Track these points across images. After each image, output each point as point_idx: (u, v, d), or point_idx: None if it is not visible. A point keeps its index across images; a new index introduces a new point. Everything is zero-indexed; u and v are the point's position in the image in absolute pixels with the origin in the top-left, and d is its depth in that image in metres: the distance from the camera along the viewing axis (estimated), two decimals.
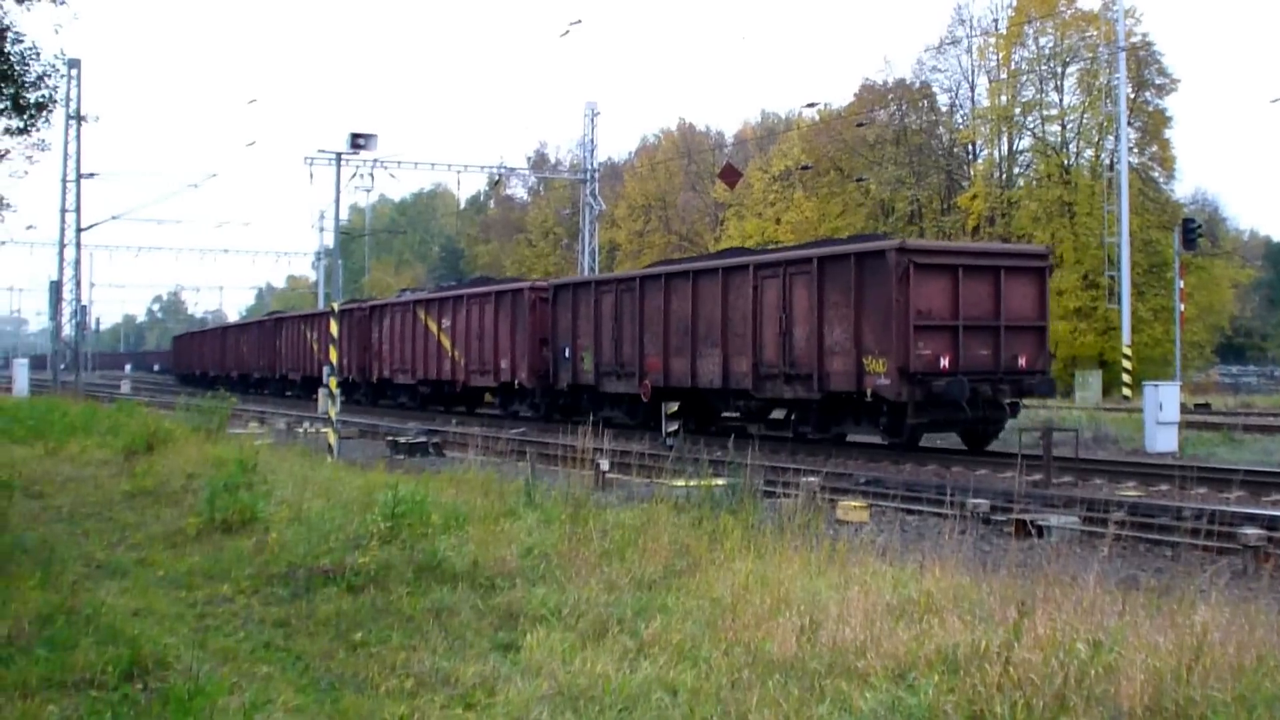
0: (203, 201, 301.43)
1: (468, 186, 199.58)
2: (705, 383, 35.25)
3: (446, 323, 50.37)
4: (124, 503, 19.37)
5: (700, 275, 35.56)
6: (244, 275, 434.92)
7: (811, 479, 21.88)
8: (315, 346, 65.63)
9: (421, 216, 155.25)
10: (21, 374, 67.01)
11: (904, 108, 79.67)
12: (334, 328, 33.17)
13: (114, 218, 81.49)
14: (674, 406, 34.10)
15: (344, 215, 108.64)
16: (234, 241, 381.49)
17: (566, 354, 41.86)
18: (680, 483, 18.96)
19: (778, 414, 34.45)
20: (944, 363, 28.84)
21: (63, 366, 68.58)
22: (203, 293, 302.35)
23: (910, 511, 20.09)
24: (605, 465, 23.31)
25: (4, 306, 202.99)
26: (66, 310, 68.27)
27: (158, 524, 16.82)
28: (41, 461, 26.13)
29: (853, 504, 19.96)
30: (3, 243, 71.87)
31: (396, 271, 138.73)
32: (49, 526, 16.98)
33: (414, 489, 15.62)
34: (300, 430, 38.83)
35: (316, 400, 53.33)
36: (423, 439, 32.79)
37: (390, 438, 33.86)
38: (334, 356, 32.47)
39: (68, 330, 69.48)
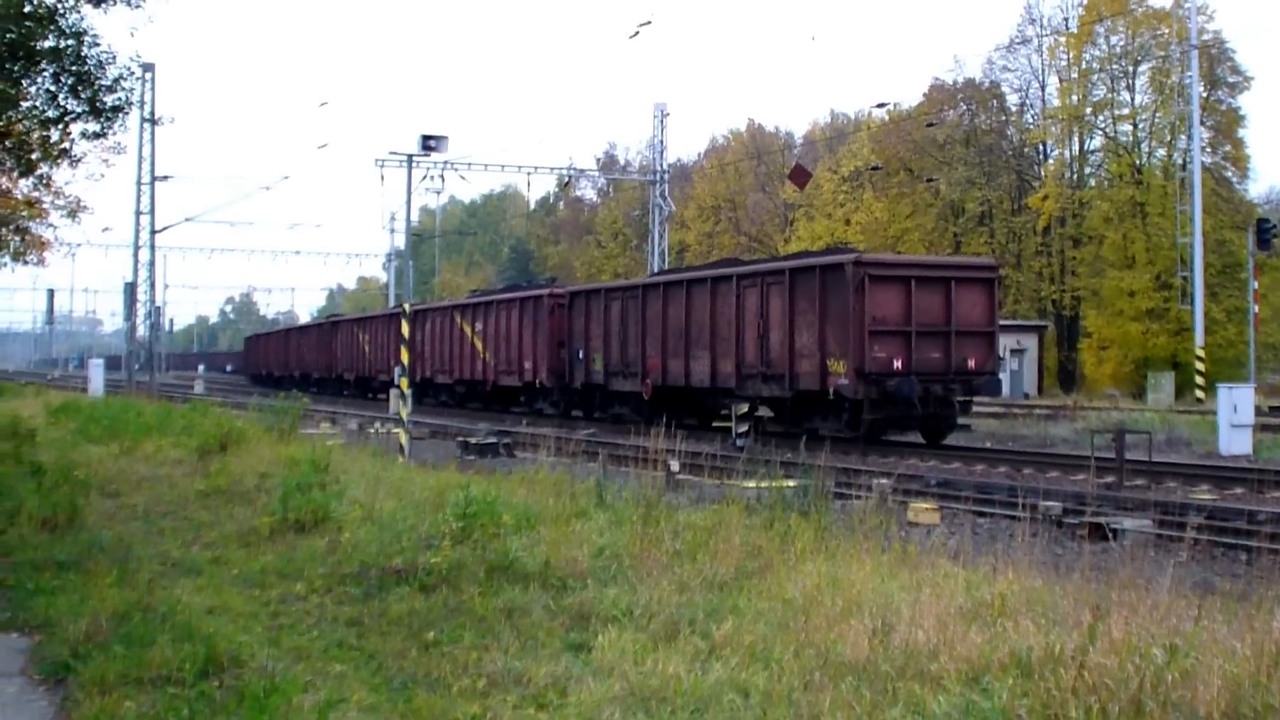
0: (275, 204, 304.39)
1: (537, 188, 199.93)
2: (697, 382, 38.66)
3: (479, 326, 53.58)
4: (198, 502, 19.51)
5: (693, 284, 39.11)
6: (315, 277, 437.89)
7: (883, 481, 21.77)
8: (367, 348, 69.44)
9: (491, 218, 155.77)
10: (97, 374, 67.60)
11: (974, 108, 79.23)
12: (405, 328, 33.30)
13: (187, 220, 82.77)
14: (744, 408, 34.06)
15: (415, 217, 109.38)
16: (305, 243, 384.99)
17: (580, 355, 45.59)
18: (751, 484, 18.91)
19: (764, 411, 37.01)
20: (897, 364, 31.91)
21: (137, 367, 69.19)
22: (275, 294, 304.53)
23: (982, 514, 19.95)
24: (676, 466, 23.27)
25: (80, 308, 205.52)
26: (141, 311, 68.90)
27: (232, 523, 16.93)
28: (117, 461, 26.35)
29: (924, 506, 19.85)
30: (79, 245, 72.71)
31: (467, 273, 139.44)
32: (125, 525, 17.13)
33: (485, 489, 15.65)
34: (372, 431, 39.01)
35: (380, 399, 54.52)
36: (493, 440, 32.87)
37: (461, 438, 33.97)
38: (405, 357, 32.59)
39: (142, 331, 70.08)
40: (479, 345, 54.05)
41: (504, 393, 53.97)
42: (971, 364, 33.01)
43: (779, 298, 34.72)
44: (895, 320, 32.24)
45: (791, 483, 17.39)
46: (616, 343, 43.36)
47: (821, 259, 34.95)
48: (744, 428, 33.47)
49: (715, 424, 40.24)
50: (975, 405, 36.24)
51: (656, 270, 69.67)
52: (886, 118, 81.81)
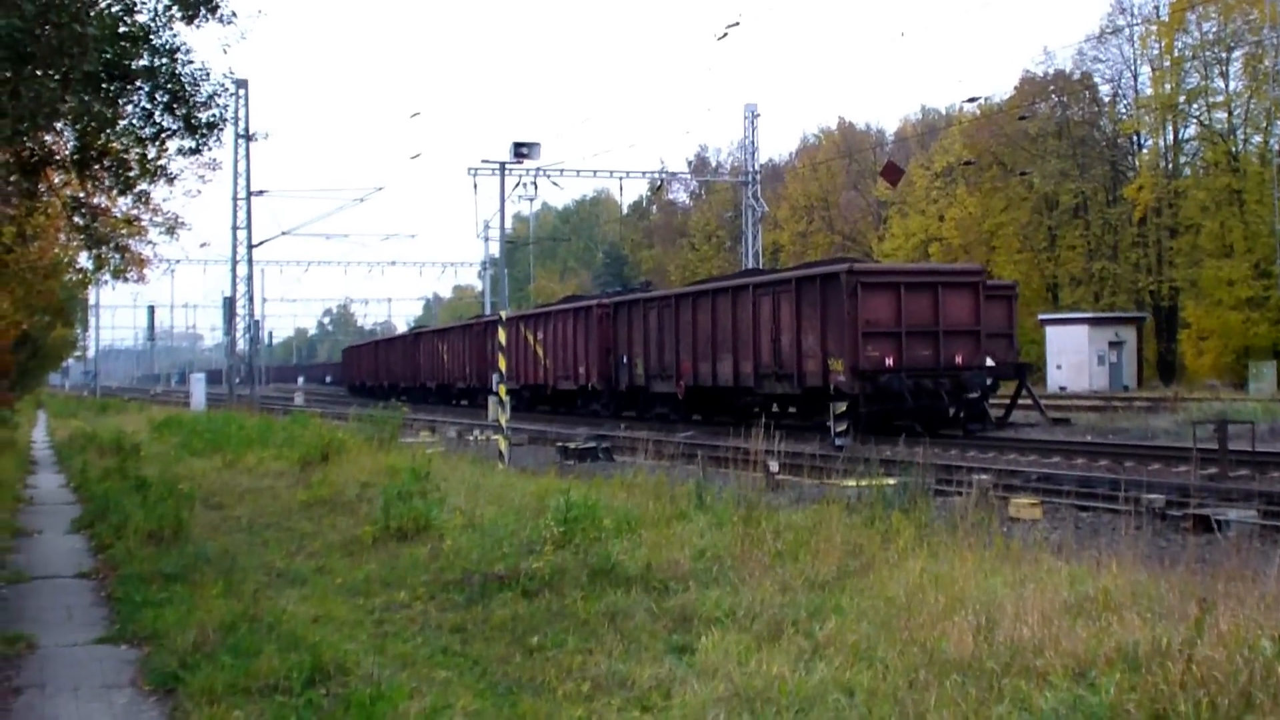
0: (369, 215, 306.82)
1: (630, 192, 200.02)
2: (723, 382, 42.26)
3: (540, 335, 57.41)
4: (301, 512, 19.69)
5: (717, 294, 43.20)
6: (411, 286, 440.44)
7: (983, 477, 21.59)
8: (446, 358, 73.97)
9: (585, 223, 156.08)
10: (199, 389, 68.49)
11: (1065, 99, 78.39)
12: (503, 336, 33.42)
13: (284, 233, 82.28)
14: (842, 406, 33.91)
15: (508, 224, 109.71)
16: (401, 254, 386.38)
17: (625, 360, 49.77)
18: (851, 483, 18.81)
19: (777, 408, 41.47)
20: (889, 362, 35.44)
21: (238, 380, 69.92)
22: (371, 305, 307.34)
23: (1084, 508, 19.73)
24: (775, 467, 23.21)
25: (180, 323, 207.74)
26: (240, 325, 69.60)
27: (334, 533, 17.08)
28: (220, 474, 26.68)
29: (1025, 501, 19.66)
30: (178, 261, 73.38)
31: (562, 279, 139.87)
32: (229, 536, 17.33)
33: (585, 494, 15.68)
34: (471, 438, 39.21)
35: (459, 405, 56.00)
36: (592, 444, 32.94)
37: (560, 444, 34.06)
38: (503, 364, 32.72)
39: (242, 345, 70.83)
40: (540, 353, 57.51)
41: (562, 396, 57.70)
42: (959, 360, 36.43)
43: (788, 304, 38.26)
44: (887, 323, 35.77)
45: (891, 481, 17.29)
46: (655, 348, 47.33)
47: (821, 269, 38.84)
48: (842, 426, 33.32)
49: (749, 422, 40.80)
50: (1069, 401, 36.12)
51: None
52: (978, 112, 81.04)
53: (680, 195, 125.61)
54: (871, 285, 36.05)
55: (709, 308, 43.23)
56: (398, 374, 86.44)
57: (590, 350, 52.66)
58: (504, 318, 34.46)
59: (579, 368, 53.82)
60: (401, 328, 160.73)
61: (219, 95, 17.64)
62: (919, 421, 35.05)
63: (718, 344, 42.37)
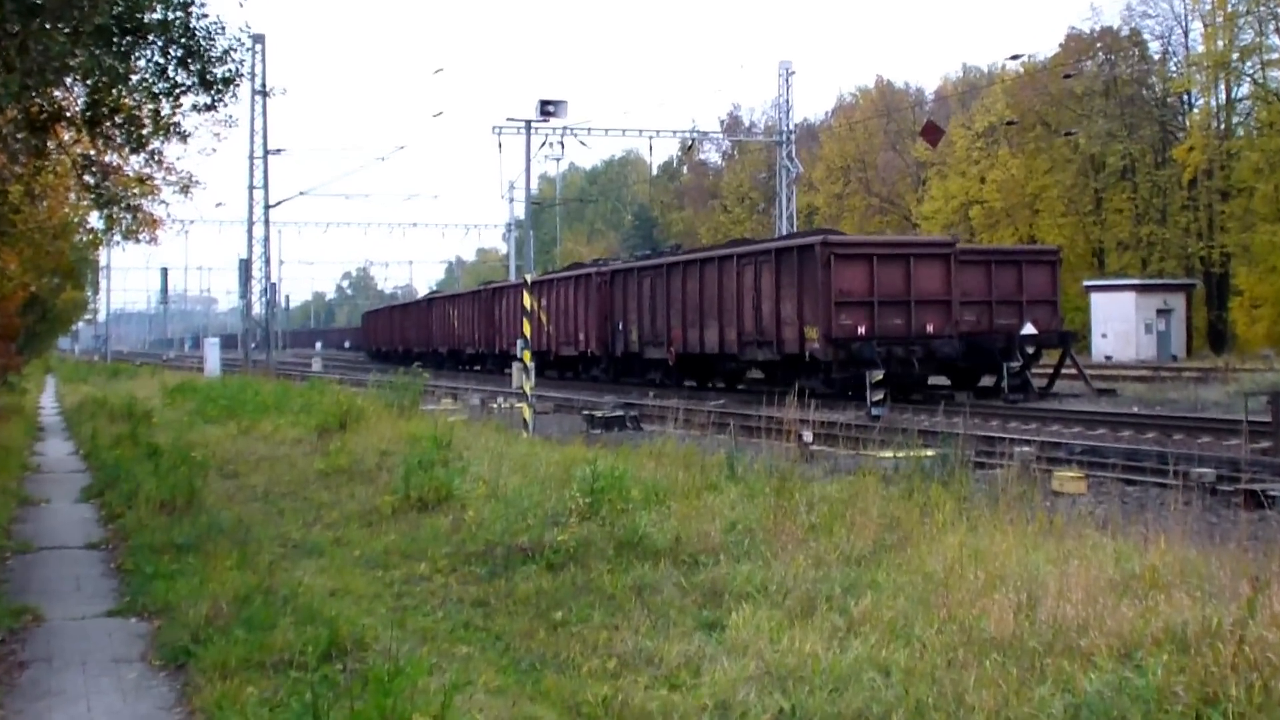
0: (390, 175, 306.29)
1: (660, 152, 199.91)
2: (709, 348, 45.23)
3: (544, 302, 59.48)
4: (318, 482, 19.73)
5: (705, 263, 46.14)
6: (434, 249, 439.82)
7: (1025, 449, 21.52)
8: (456, 323, 77.84)
9: (613, 184, 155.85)
10: (213, 354, 68.48)
11: (1113, 57, 77.87)
12: (528, 300, 33.44)
13: (301, 194, 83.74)
14: (878, 375, 33.87)
15: (534, 185, 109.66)
16: (423, 215, 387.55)
17: (620, 327, 52.88)
18: (888, 454, 18.80)
19: (754, 374, 46.26)
20: (861, 330, 37.89)
21: (254, 345, 70.10)
22: (392, 268, 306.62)
23: (1130, 482, 19.62)
24: (809, 437, 23.16)
25: (194, 286, 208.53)
26: (256, 288, 69.76)
27: (353, 503, 17.10)
28: (235, 441, 26.74)
29: (1069, 474, 19.56)
30: (192, 222, 73.60)
31: (589, 241, 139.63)
32: (244, 506, 17.37)
33: (613, 464, 15.66)
34: (494, 406, 39.25)
35: (469, 370, 57.18)
36: (619, 413, 32.92)
37: (586, 412, 34.06)
38: (528, 330, 32.72)
39: (258, 308, 70.94)
40: (544, 319, 59.46)
41: (565, 362, 60.46)
42: (930, 328, 38.78)
43: (768, 274, 41.11)
44: (860, 293, 38.27)
45: (930, 452, 17.26)
46: (648, 315, 50.51)
47: (798, 240, 42.16)
48: (879, 395, 33.26)
49: (740, 386, 47.09)
50: (1115, 371, 36.05)
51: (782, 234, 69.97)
52: (1021, 70, 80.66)
53: (712, 155, 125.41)
54: (845, 256, 38.71)
55: (697, 276, 46.18)
56: (412, 339, 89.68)
57: (590, 317, 55.74)
58: (529, 281, 34.46)
59: (579, 334, 56.86)
60: (423, 291, 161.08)
61: (234, 50, 17.58)
62: (893, 386, 36.78)
63: (705, 312, 45.27)
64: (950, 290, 39.44)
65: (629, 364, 53.46)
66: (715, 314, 44.53)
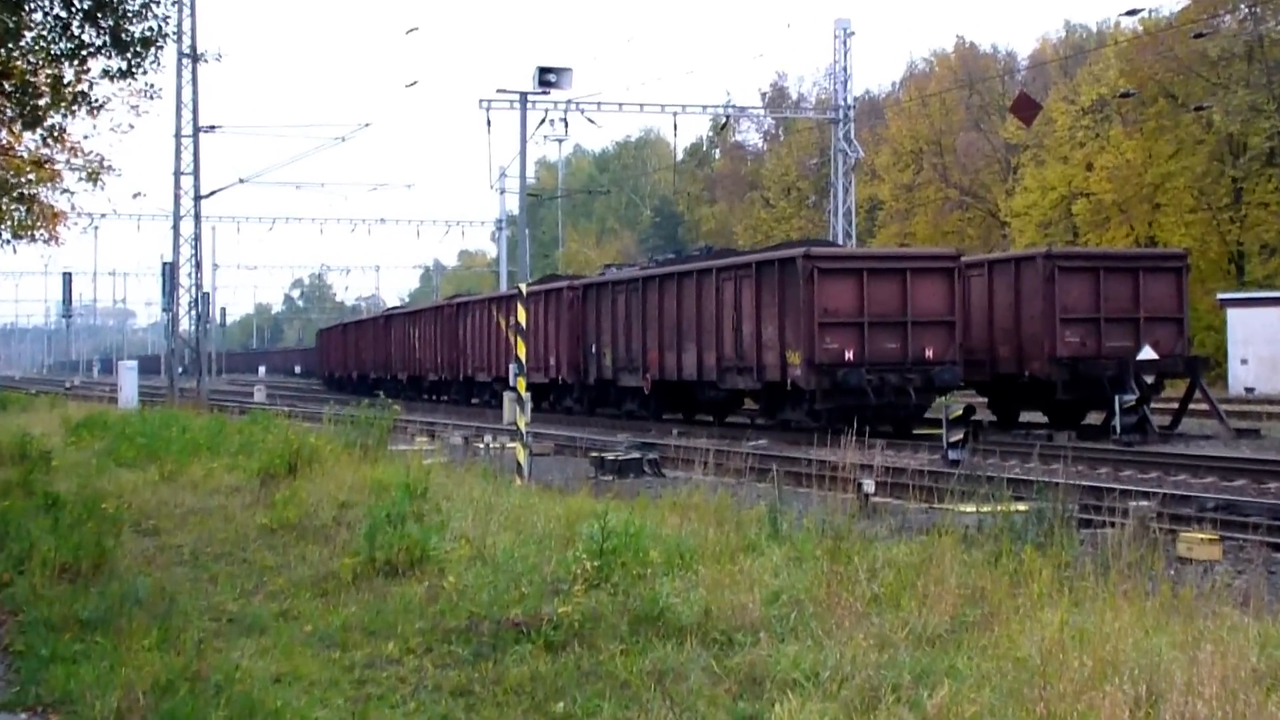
0: (352, 160, 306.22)
1: (686, 133, 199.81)
2: (687, 375, 48.25)
3: (513, 321, 58.36)
4: (261, 540, 19.71)
5: (683, 277, 49.01)
6: (406, 251, 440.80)
7: (1143, 503, 21.49)
8: (417, 345, 79.51)
9: (629, 172, 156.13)
10: (129, 380, 68.47)
11: (1258, 10, 77.72)
12: (522, 314, 33.48)
13: (241, 181, 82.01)
14: (958, 411, 33.85)
15: (531, 172, 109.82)
16: (393, 209, 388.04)
17: (594, 350, 55.66)
18: (969, 508, 18.76)
19: (753, 404, 48.33)
20: (849, 355, 40.28)
21: (181, 370, 70.04)
22: (354, 274, 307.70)
23: (1278, 547, 19.58)
24: (870, 486, 23.17)
25: (106, 296, 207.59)
26: (184, 299, 69.68)
27: (304, 566, 17.09)
28: (156, 490, 26.69)
29: (1200, 536, 19.54)
30: (103, 216, 73.51)
31: (599, 242, 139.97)
32: (167, 571, 17.33)
33: (628, 518, 15.64)
34: (481, 446, 39.28)
35: (432, 400, 58.00)
36: (636, 455, 32.93)
37: (595, 454, 34.07)
38: (521, 351, 32.76)
39: (186, 324, 70.91)
40: (512, 340, 59.41)
41: (534, 390, 60.90)
42: (929, 354, 41.04)
43: (749, 291, 43.76)
44: (848, 312, 40.76)
45: (1022, 506, 17.22)
46: (622, 337, 53.28)
47: (780, 253, 44.68)
48: (957, 435, 33.24)
49: (730, 419, 50.30)
50: (1258, 407, 36.01)
51: (841, 234, 69.93)
52: (1139, 28, 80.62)
53: (751, 136, 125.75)
54: (831, 271, 41.28)
55: (674, 292, 49.15)
56: (368, 363, 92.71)
57: (561, 339, 58.42)
58: (524, 291, 34.49)
59: (550, 358, 59.33)
60: (394, 304, 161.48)
61: (156, 4, 17.63)
62: (885, 421, 39.47)
63: (683, 333, 48.30)
64: (954, 309, 41.73)
65: (603, 392, 56.35)
66: (694, 335, 47.36)
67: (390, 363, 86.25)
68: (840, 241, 72.36)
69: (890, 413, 39.81)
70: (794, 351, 40.77)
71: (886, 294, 41.00)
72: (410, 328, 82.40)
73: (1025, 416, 44.73)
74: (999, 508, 16.74)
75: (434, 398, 78.76)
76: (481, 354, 68.62)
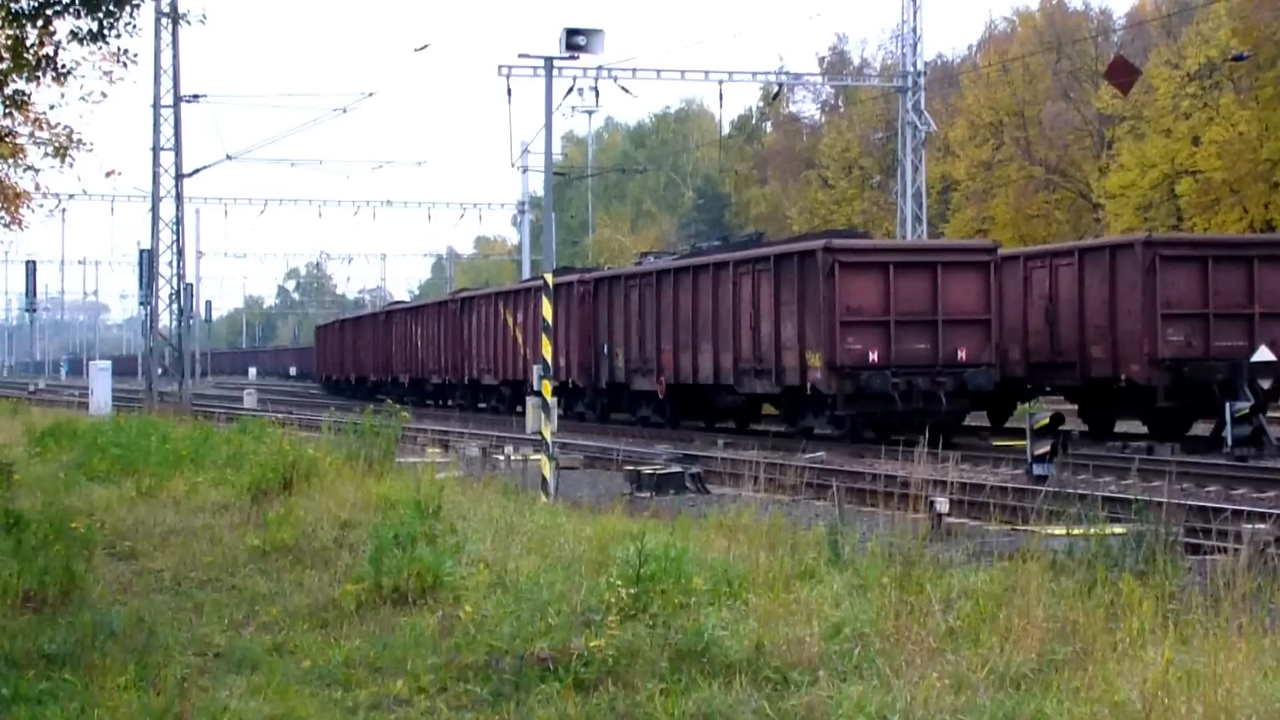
0: (355, 134, 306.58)
1: (733, 103, 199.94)
2: (703, 378, 50.02)
3: (520, 317, 63.54)
4: (252, 564, 19.75)
5: (698, 271, 50.54)
6: (416, 238, 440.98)
7: (1259, 526, 21.39)
8: (419, 343, 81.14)
9: (668, 148, 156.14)
10: (102, 383, 68.45)
11: None
12: (548, 309, 33.51)
13: (229, 158, 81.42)
14: (1044, 419, 33.75)
15: (558, 149, 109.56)
16: (401, 190, 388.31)
17: (605, 350, 57.41)
18: (1058, 530, 18.69)
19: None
20: (873, 356, 41.59)
21: (160, 372, 70.07)
22: (356, 264, 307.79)
23: None
24: (944, 505, 23.12)
25: (75, 287, 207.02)
26: (165, 291, 69.72)
27: (300, 594, 17.12)
28: (133, 507, 26.72)
29: None
30: (72, 197, 73.30)
31: (634, 228, 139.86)
32: (145, 599, 17.35)
33: (668, 540, 15.65)
34: (501, 458, 39.29)
35: (435, 406, 58.66)
36: (677, 469, 32.93)
37: (630, 467, 34.05)
38: (548, 350, 32.80)
39: (166, 320, 70.91)
40: (519, 339, 63.32)
41: None
42: (962, 355, 42.34)
43: (767, 287, 45.42)
44: (872, 310, 42.22)
45: (1119, 529, 17.17)
46: (636, 336, 54.95)
47: (799, 245, 46.75)
48: (1044, 447, 33.13)
49: (754, 427, 51.63)
50: None
51: (910, 219, 69.87)
52: None
53: (806, 107, 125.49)
54: (853, 265, 42.75)
55: (690, 288, 50.74)
56: (367, 365, 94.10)
57: (571, 338, 59.59)
58: (550, 282, 34.47)
59: (560, 360, 57.75)
60: (402, 295, 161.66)
61: None
62: (914, 429, 38.54)
63: (699, 332, 49.90)
64: (989, 306, 43.19)
65: (616, 397, 58.38)
66: (710, 335, 49.01)
67: (391, 364, 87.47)
68: (909, 227, 72.31)
69: (920, 420, 39.27)
70: (814, 353, 42.05)
71: (915, 290, 42.29)
72: (412, 325, 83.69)
73: (1121, 426, 44.56)
74: (1092, 530, 16.68)
75: (438, 403, 79.52)
76: (488, 355, 69.74)
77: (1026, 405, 42.45)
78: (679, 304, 50.97)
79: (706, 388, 50.37)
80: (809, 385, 42.48)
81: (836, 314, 41.41)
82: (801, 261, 43.52)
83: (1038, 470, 32.29)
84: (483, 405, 72.51)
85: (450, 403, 76.58)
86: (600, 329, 57.86)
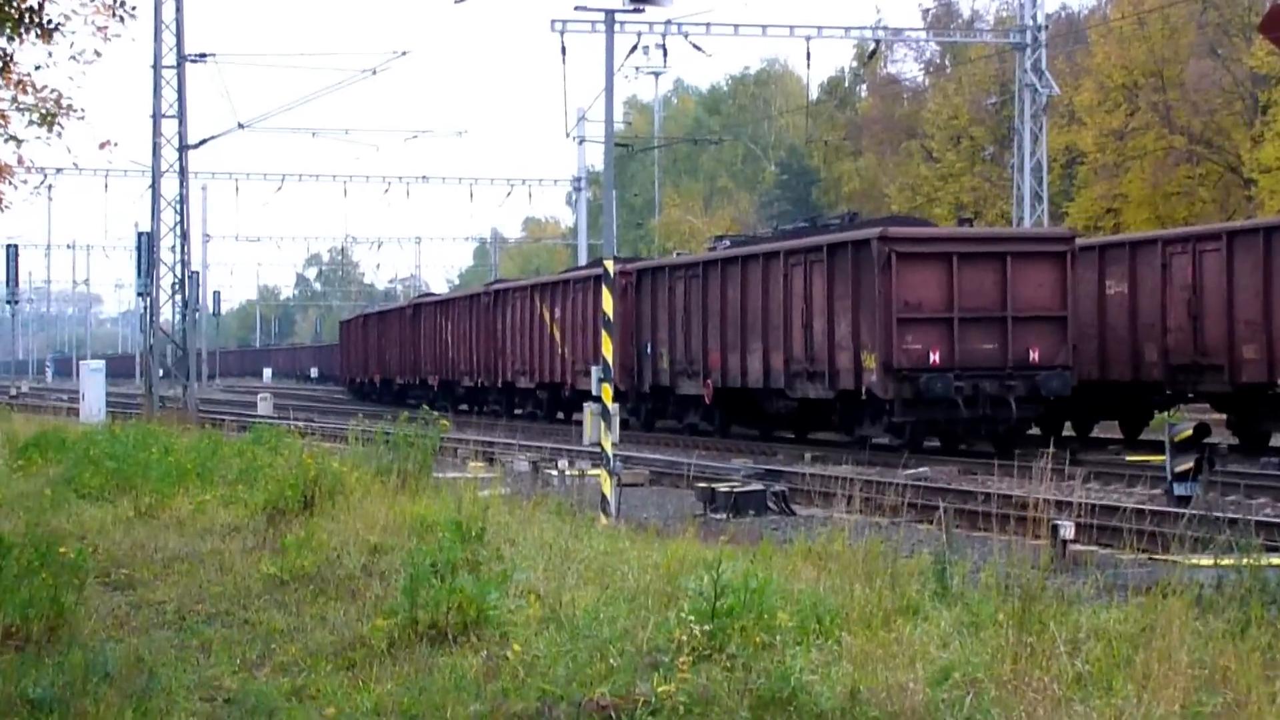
0: (385, 100, 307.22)
1: (823, 64, 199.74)
2: (753, 381, 51.75)
3: (558, 312, 65.31)
4: (267, 595, 19.79)
5: (747, 261, 52.30)
6: (457, 219, 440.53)
7: None
8: (450, 341, 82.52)
9: (746, 115, 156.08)
10: (94, 386, 68.72)
11: None
12: (608, 301, 33.48)
13: (241, 127, 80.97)
14: (1187, 431, 33.63)
15: (620, 117, 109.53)
16: (438, 164, 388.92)
17: (649, 350, 59.29)
18: (1205, 560, 18.63)
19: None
20: (934, 357, 42.84)
21: (162, 374, 70.23)
22: (387, 249, 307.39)
23: None
24: (1069, 530, 23.05)
25: (64, 275, 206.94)
26: (167, 280, 69.84)
27: (323, 630, 17.14)
28: (130, 530, 26.82)
29: None
30: (59, 171, 73.55)
31: (708, 208, 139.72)
32: (144, 636, 17.39)
33: (748, 569, 15.63)
34: (555, 473, 39.34)
35: (466, 413, 59.14)
36: (757, 486, 32.91)
37: (703, 485, 34.03)
38: (608, 349, 32.79)
39: (168, 313, 71.05)
40: (557, 337, 65.04)
41: (583, 399, 62.40)
42: (1035, 356, 43.58)
43: (821, 278, 46.95)
44: (933, 305, 43.66)
45: (1276, 559, 17.10)
46: (681, 334, 56.84)
47: (854, 233, 47.87)
48: (1187, 463, 33.00)
49: (813, 434, 53.34)
50: None
51: (1029, 197, 69.88)
52: None
53: (908, 68, 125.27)
54: (912, 255, 44.10)
55: (738, 280, 52.52)
56: (393, 365, 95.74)
57: (611, 336, 56.00)
58: (610, 270, 34.42)
59: (599, 359, 58.08)
60: (440, 287, 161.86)
61: None
62: (980, 438, 43.46)
63: (748, 329, 51.70)
64: (1066, 302, 44.55)
65: (662, 401, 60.51)
66: (760, 333, 50.74)
67: (419, 364, 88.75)
68: (1027, 206, 72.25)
69: (986, 428, 42.61)
70: (869, 353, 43.34)
71: (982, 283, 43.66)
72: (442, 321, 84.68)
73: (1278, 440, 44.37)
74: (1245, 560, 16.62)
75: (472, 409, 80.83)
76: (523, 354, 71.03)
77: (1165, 414, 42.10)
78: (726, 298, 52.38)
79: (756, 391, 51.80)
80: (864, 389, 43.70)
81: (893, 310, 42.46)
82: (855, 251, 44.63)
83: (1179, 490, 32.15)
84: (519, 411, 73.61)
85: (483, 409, 77.97)
86: (643, 326, 59.48)
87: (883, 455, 45.18)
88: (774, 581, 15.54)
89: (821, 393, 46.68)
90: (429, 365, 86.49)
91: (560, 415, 67.79)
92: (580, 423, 58.27)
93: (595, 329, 57.44)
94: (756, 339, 50.05)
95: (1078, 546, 23.12)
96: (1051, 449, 24.22)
